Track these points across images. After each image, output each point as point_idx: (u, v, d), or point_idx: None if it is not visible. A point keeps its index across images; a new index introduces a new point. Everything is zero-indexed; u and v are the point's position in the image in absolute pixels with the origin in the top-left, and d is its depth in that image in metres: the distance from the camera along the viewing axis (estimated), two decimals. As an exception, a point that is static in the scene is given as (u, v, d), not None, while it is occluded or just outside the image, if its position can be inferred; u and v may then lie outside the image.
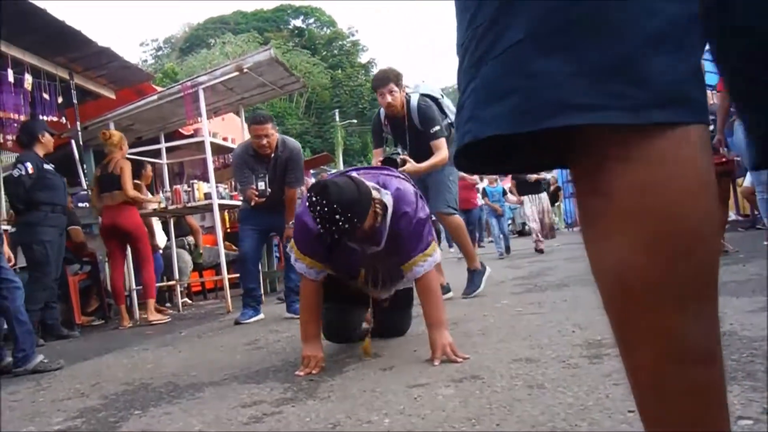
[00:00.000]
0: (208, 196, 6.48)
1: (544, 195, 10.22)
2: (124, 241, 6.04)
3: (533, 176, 9.85)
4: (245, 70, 6.44)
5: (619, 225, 0.72)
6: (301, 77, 8.21)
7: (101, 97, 7.14)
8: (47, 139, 5.28)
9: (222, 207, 6.93)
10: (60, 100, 6.28)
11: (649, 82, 0.66)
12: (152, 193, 7.22)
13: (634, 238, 0.71)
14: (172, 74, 35.26)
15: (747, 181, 7.32)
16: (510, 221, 17.60)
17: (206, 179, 6.70)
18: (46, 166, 5.22)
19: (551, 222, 10.17)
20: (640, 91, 0.66)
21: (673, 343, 0.72)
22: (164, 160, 7.63)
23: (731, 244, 5.66)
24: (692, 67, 0.68)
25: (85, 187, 7.05)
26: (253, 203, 4.88)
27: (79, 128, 6.66)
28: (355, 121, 42.32)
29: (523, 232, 18.64)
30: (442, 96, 4.82)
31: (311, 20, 58.41)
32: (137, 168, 6.64)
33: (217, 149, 7.08)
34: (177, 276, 7.46)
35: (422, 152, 4.41)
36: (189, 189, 6.66)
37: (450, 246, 12.34)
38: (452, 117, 4.79)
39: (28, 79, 5.81)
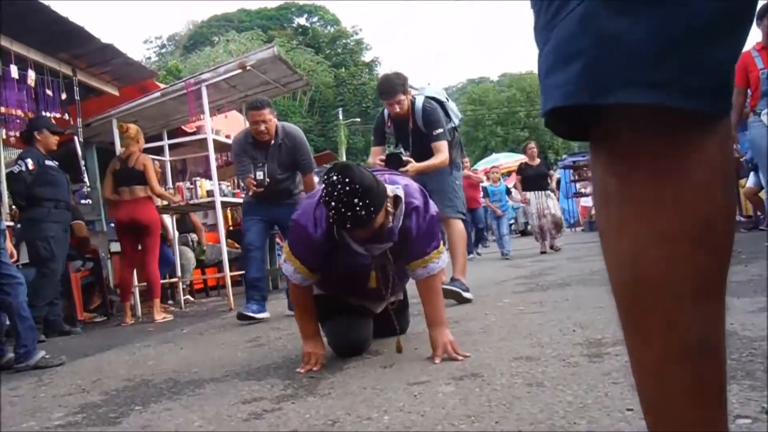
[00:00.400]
0: (210, 193, 6.48)
1: (550, 192, 9.89)
2: (139, 237, 6.04)
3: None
4: (248, 68, 6.45)
5: (639, 212, 0.70)
6: (304, 75, 8.22)
7: (105, 93, 7.14)
8: (44, 136, 5.29)
9: (224, 204, 6.93)
10: (63, 96, 6.29)
11: (706, 66, 0.63)
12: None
13: (652, 227, 0.69)
14: (175, 72, 35.26)
15: (750, 182, 7.29)
16: (512, 221, 17.47)
17: (209, 177, 6.71)
18: (48, 162, 5.24)
19: (556, 220, 9.69)
20: (697, 74, 0.63)
21: (682, 335, 0.71)
22: (167, 158, 7.63)
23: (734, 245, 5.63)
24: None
25: (88, 184, 7.06)
26: (251, 193, 4.85)
27: (80, 125, 6.66)
28: (358, 119, 42.30)
29: (525, 232, 18.56)
30: (447, 99, 4.77)
31: (315, 18, 58.36)
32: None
33: (220, 147, 7.08)
34: (179, 273, 7.47)
35: (424, 154, 4.35)
36: (192, 186, 6.67)
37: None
38: (456, 121, 4.78)
39: (31, 76, 5.82)
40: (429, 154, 4.36)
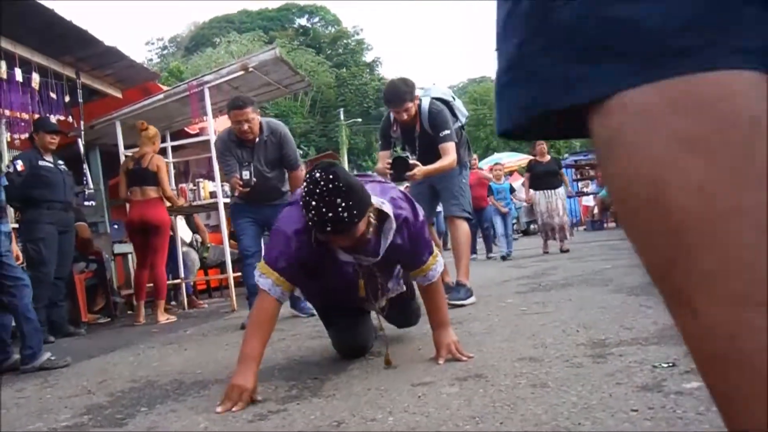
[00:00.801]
0: (213, 194, 6.50)
1: (561, 190, 9.48)
2: (149, 236, 6.04)
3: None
4: (251, 69, 6.46)
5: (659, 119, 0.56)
6: (306, 76, 8.23)
7: (108, 96, 7.17)
8: (40, 136, 5.30)
9: (227, 206, 6.94)
10: (67, 99, 6.32)
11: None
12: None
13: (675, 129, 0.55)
14: (177, 73, 35.35)
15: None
16: (514, 220, 17.37)
17: (212, 178, 6.72)
18: (42, 163, 5.22)
19: (563, 221, 9.36)
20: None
21: (751, 279, 0.53)
22: (170, 159, 7.65)
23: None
24: None
25: (91, 186, 7.09)
26: (237, 193, 4.70)
27: (82, 127, 6.69)
28: (359, 120, 42.32)
29: (528, 232, 18.51)
30: (454, 98, 4.72)
31: (316, 19, 58.50)
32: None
33: (223, 148, 7.10)
34: (182, 274, 7.49)
35: (431, 156, 4.30)
36: (195, 188, 6.69)
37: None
38: (463, 120, 4.74)
39: (35, 79, 5.85)
40: (436, 156, 4.31)
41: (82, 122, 6.66)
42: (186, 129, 8.14)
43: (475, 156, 10.81)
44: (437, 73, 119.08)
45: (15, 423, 2.41)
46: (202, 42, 51.00)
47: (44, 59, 5.98)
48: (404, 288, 3.04)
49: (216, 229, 8.58)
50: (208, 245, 8.32)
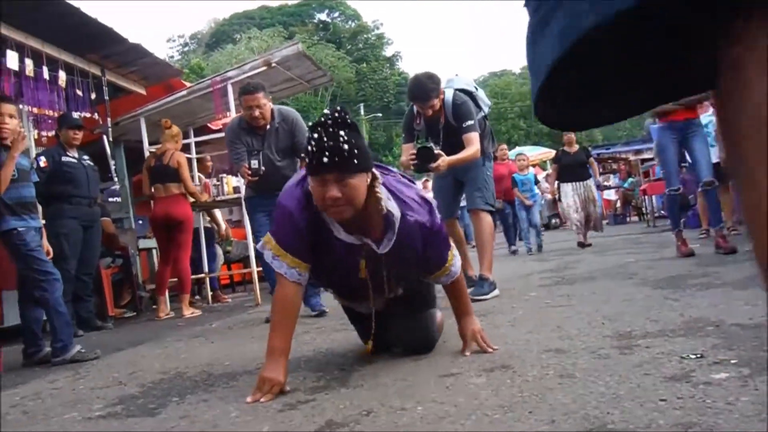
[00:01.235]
0: (237, 190, 6.56)
1: (590, 182, 9.01)
2: (173, 232, 6.13)
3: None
4: (273, 65, 6.50)
5: None
6: (327, 71, 8.27)
7: (132, 93, 7.26)
8: (63, 133, 5.38)
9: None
10: (93, 96, 6.41)
11: None
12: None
13: None
14: (198, 70, 35.63)
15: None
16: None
17: (235, 173, 6.78)
18: (65, 159, 5.31)
19: (596, 214, 8.97)
20: None
21: None
22: (193, 155, 7.74)
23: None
24: None
25: (116, 182, 7.19)
26: (246, 182, 4.66)
27: (109, 124, 6.78)
28: (380, 114, 42.37)
29: (549, 226, 18.37)
30: (476, 88, 4.69)
31: (336, 14, 58.55)
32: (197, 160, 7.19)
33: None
34: (206, 269, 7.57)
35: (455, 148, 4.26)
36: (218, 183, 6.76)
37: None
38: (486, 110, 4.71)
39: (62, 77, 5.94)
40: (460, 147, 4.28)
41: (108, 119, 6.75)
42: (209, 125, 8.22)
43: (504, 146, 10.49)
44: (458, 68, 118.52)
45: (50, 412, 2.47)
46: (223, 38, 51.31)
47: (71, 57, 6.07)
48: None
49: (239, 224, 8.66)
50: (231, 240, 8.40)
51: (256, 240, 4.87)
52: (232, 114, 6.54)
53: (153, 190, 6.11)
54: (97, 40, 6.00)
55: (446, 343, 2.88)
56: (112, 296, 6.46)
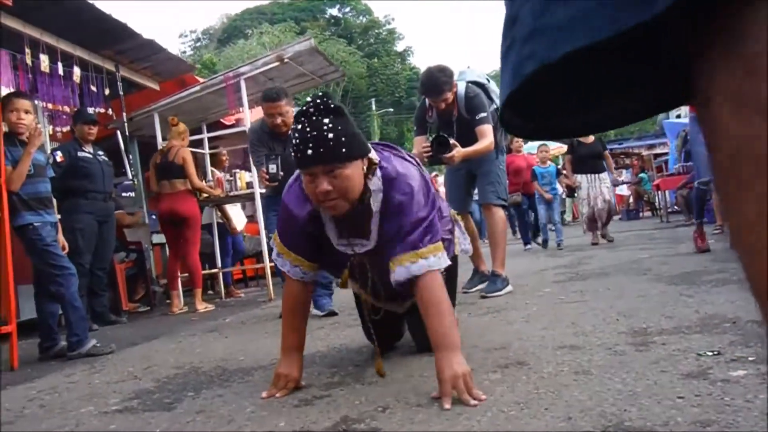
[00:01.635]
0: (249, 185, 6.57)
1: (605, 175, 8.68)
2: (180, 228, 6.16)
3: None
4: (286, 60, 6.50)
5: None
6: (340, 66, 8.26)
7: (146, 88, 7.29)
8: (78, 128, 5.41)
9: (264, 196, 7.02)
10: (107, 92, 6.44)
11: None
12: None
13: None
14: (210, 65, 35.72)
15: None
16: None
17: (248, 168, 6.80)
18: (81, 154, 5.33)
19: (610, 208, 8.63)
20: None
21: None
22: (206, 150, 7.76)
23: None
24: None
25: (131, 177, 7.23)
26: (264, 187, 4.63)
27: (124, 119, 6.82)
28: (391, 109, 42.34)
29: (562, 221, 18.20)
30: (488, 80, 4.66)
31: (347, 9, 58.46)
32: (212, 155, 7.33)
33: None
34: (219, 263, 7.60)
35: (468, 140, 4.23)
36: (231, 178, 6.78)
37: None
38: (498, 102, 4.69)
39: (76, 72, 5.97)
40: (473, 139, 4.25)
41: (123, 114, 6.78)
42: (222, 120, 8.24)
43: (520, 140, 10.19)
44: (469, 63, 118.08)
45: (67, 406, 2.49)
46: (235, 34, 51.37)
47: (85, 53, 6.10)
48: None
49: (252, 219, 8.68)
50: (244, 235, 8.43)
51: (268, 236, 4.90)
52: (245, 109, 6.56)
53: (159, 186, 6.14)
54: (111, 36, 6.02)
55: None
56: (126, 291, 6.51)
